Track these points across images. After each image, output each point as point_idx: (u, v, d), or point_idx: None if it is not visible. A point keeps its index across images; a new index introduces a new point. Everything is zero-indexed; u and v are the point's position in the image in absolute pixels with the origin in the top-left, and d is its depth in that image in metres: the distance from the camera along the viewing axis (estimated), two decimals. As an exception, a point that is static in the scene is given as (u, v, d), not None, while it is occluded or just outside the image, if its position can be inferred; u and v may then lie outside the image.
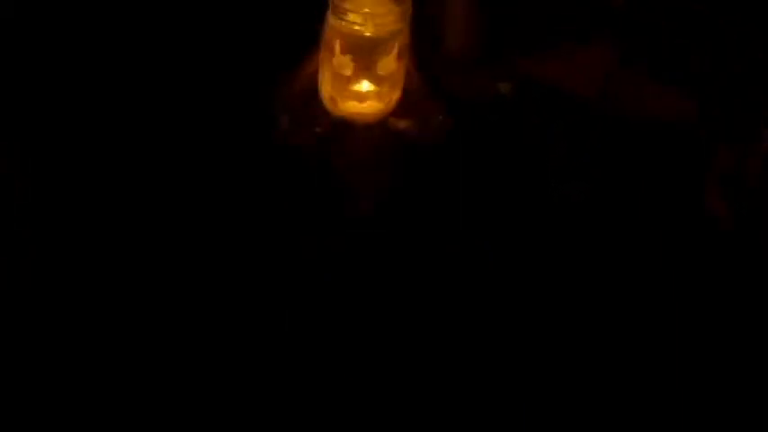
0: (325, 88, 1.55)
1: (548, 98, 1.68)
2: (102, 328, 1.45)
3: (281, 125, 1.60)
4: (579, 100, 1.67)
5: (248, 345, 1.44)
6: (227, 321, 1.45)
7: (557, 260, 1.52)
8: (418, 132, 1.59)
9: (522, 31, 1.75)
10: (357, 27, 1.48)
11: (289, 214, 1.55)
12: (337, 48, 1.50)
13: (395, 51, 1.50)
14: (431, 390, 1.41)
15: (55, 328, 1.45)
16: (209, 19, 1.80)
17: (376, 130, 1.57)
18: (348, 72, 1.51)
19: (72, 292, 1.48)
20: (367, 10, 1.48)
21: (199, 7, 1.80)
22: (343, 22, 1.48)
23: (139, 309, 1.47)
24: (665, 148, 1.64)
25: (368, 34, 1.48)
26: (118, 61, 1.74)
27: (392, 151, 1.59)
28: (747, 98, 1.62)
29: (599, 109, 1.67)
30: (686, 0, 1.68)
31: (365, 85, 1.53)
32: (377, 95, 1.54)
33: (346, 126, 1.56)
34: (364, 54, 1.50)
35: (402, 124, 1.58)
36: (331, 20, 1.50)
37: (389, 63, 1.50)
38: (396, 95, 1.56)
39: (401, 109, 1.58)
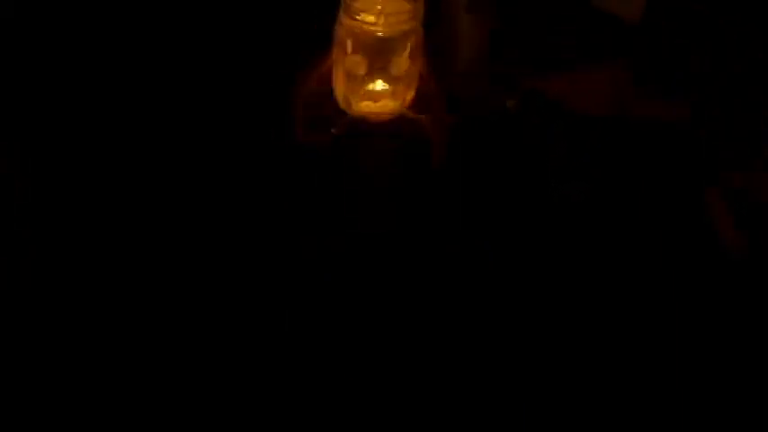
0: (339, 88, 1.55)
1: (551, 107, 1.68)
2: (102, 328, 1.45)
3: (296, 125, 1.59)
4: (591, 119, 1.66)
5: (248, 344, 1.44)
6: (228, 321, 1.45)
7: (556, 260, 1.53)
8: (430, 129, 1.58)
9: (532, 49, 1.75)
10: (369, 26, 1.48)
11: (289, 214, 1.55)
12: (350, 47, 1.50)
13: (407, 51, 1.50)
14: (431, 390, 1.41)
15: (55, 327, 1.45)
16: (216, 18, 1.80)
17: (390, 127, 1.57)
18: (361, 71, 1.51)
19: (72, 292, 1.48)
20: (379, 8, 1.48)
21: (205, 6, 1.80)
22: (356, 22, 1.48)
23: (140, 309, 1.47)
24: (665, 149, 1.64)
25: (380, 33, 1.48)
26: (118, 61, 1.74)
27: (405, 148, 1.59)
28: (747, 98, 1.62)
29: (611, 128, 1.66)
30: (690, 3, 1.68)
31: (379, 85, 1.53)
32: (391, 95, 1.54)
33: (361, 126, 1.57)
34: (377, 54, 1.50)
35: (419, 120, 1.58)
36: (343, 19, 1.50)
37: (403, 62, 1.50)
38: (410, 95, 1.56)
39: (414, 108, 1.58)
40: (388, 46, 1.49)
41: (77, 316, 1.46)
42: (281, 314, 1.46)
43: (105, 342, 1.44)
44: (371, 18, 1.47)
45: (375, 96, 1.53)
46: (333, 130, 1.58)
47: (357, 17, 1.48)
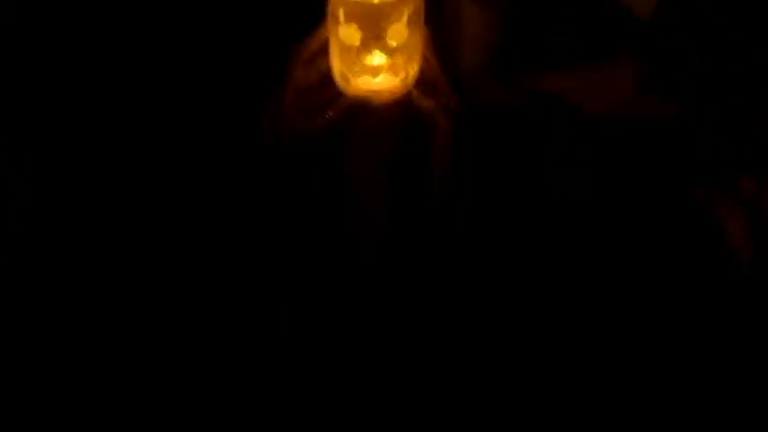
0: (336, 64, 1.47)
1: (553, 101, 1.67)
2: (102, 328, 1.45)
3: (287, 111, 1.53)
4: (600, 118, 1.64)
5: (248, 344, 1.44)
6: (228, 321, 1.45)
7: (556, 259, 1.52)
8: (439, 115, 1.52)
9: (536, 45, 1.72)
10: None
11: (289, 214, 1.55)
12: (342, 16, 1.41)
13: (405, 18, 1.41)
14: (431, 389, 1.41)
15: (55, 327, 1.45)
16: (210, 17, 1.80)
17: (394, 110, 1.49)
18: (355, 42, 1.42)
19: (72, 292, 1.48)
20: None
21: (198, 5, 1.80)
22: None
23: (139, 308, 1.47)
24: (665, 145, 1.63)
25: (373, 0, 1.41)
26: (117, 61, 1.74)
27: (409, 134, 1.52)
28: (747, 98, 1.62)
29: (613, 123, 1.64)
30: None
31: (377, 57, 1.44)
32: (391, 68, 1.45)
33: (361, 108, 1.48)
34: (371, 22, 1.41)
35: (426, 103, 1.51)
36: None
37: (400, 31, 1.42)
38: (413, 70, 1.47)
39: (421, 90, 1.50)
40: (382, 12, 1.40)
41: (77, 316, 1.46)
42: (281, 314, 1.46)
43: (105, 342, 1.44)
44: None
45: (373, 71, 1.44)
46: (328, 114, 1.50)
47: None
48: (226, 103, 1.70)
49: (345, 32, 1.43)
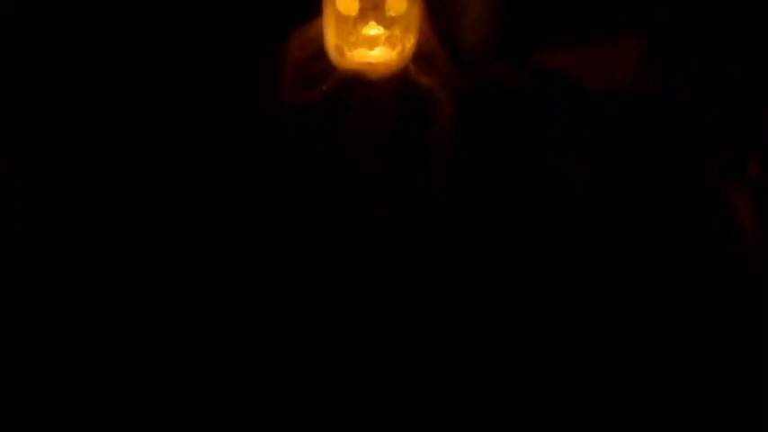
0: (330, 36, 1.44)
1: (554, 79, 1.63)
2: (102, 328, 1.45)
3: (282, 83, 1.50)
4: (601, 96, 1.62)
5: (248, 344, 1.44)
6: (228, 321, 1.45)
7: (556, 258, 1.52)
8: (438, 91, 1.50)
9: (540, 24, 1.69)
10: None
11: (289, 214, 1.55)
12: None
13: None
14: (431, 389, 1.41)
15: (55, 327, 1.45)
16: (209, 17, 1.80)
17: (392, 85, 1.47)
18: (353, 12, 1.40)
19: (72, 292, 1.48)
20: None
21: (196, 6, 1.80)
22: None
23: (140, 308, 1.46)
24: (667, 126, 1.61)
25: None
26: (117, 61, 1.74)
27: (406, 109, 1.49)
28: (747, 98, 1.61)
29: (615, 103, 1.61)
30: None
31: (373, 28, 1.42)
32: (388, 40, 1.43)
33: (355, 82, 1.46)
34: None
35: (425, 79, 1.49)
36: None
37: (399, 2, 1.40)
38: (409, 43, 1.44)
39: (419, 66, 1.48)
40: None
41: (77, 316, 1.46)
42: (282, 314, 1.46)
43: (105, 342, 1.44)
44: None
45: (369, 42, 1.42)
46: (322, 87, 1.48)
47: None
48: (226, 103, 1.70)
49: (344, 2, 1.41)
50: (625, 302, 1.47)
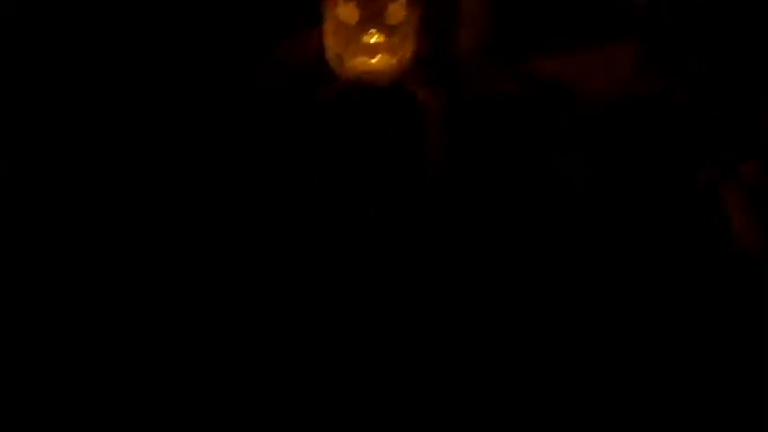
0: (330, 45, 1.45)
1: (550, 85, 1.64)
2: (102, 328, 1.45)
3: (279, 93, 1.52)
4: (598, 101, 1.62)
5: (248, 344, 1.44)
6: (228, 320, 1.45)
7: (556, 258, 1.52)
8: (432, 100, 1.51)
9: (537, 31, 1.70)
10: None
11: (289, 214, 1.55)
12: None
13: None
14: (431, 389, 1.41)
15: (55, 327, 1.45)
16: (208, 18, 1.80)
17: (388, 95, 1.48)
18: (353, 20, 1.41)
19: (72, 292, 1.48)
20: None
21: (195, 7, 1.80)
22: None
23: (139, 308, 1.46)
24: (664, 128, 1.61)
25: None
26: (117, 61, 1.74)
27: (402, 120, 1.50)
28: (747, 98, 1.61)
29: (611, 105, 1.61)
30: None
31: (374, 36, 1.43)
32: (388, 48, 1.43)
33: (354, 90, 1.47)
34: (370, 0, 1.41)
35: (419, 90, 1.50)
36: None
37: (399, 10, 1.41)
38: (408, 51, 1.45)
39: (415, 75, 1.49)
40: None
41: (77, 316, 1.46)
42: (281, 314, 1.46)
43: (105, 342, 1.44)
44: None
45: (370, 50, 1.43)
46: (321, 95, 1.49)
47: None
48: (225, 104, 1.70)
49: (344, 10, 1.41)
50: (625, 302, 1.47)
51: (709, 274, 1.46)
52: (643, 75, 1.64)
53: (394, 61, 1.44)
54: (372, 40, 1.42)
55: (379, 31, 1.42)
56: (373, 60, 1.44)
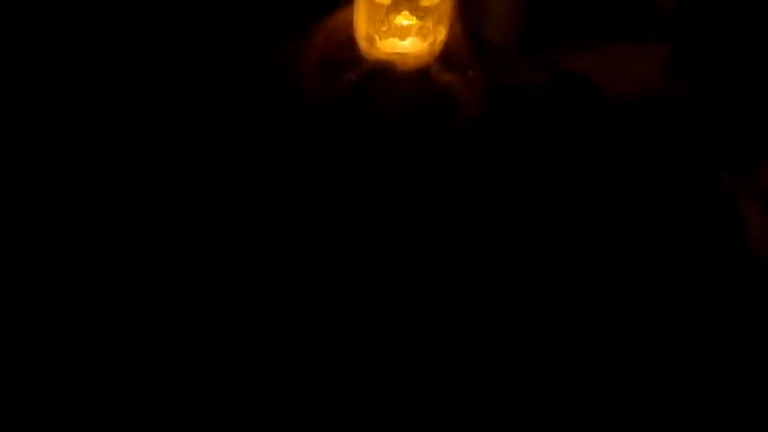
0: (361, 26, 1.43)
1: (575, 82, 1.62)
2: (102, 328, 1.45)
3: (310, 74, 1.49)
4: (620, 101, 1.60)
5: (248, 344, 1.44)
6: (228, 320, 1.45)
7: (556, 258, 1.52)
8: (459, 87, 1.49)
9: (567, 24, 1.67)
10: None
11: (289, 214, 1.55)
12: None
13: None
14: (431, 389, 1.41)
15: (55, 327, 1.45)
16: (207, 17, 1.80)
17: (416, 80, 1.45)
18: (386, 1, 1.40)
19: (72, 292, 1.48)
20: None
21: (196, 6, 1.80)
22: None
23: (139, 308, 1.46)
24: (681, 130, 1.60)
25: None
26: (117, 61, 1.74)
27: (431, 105, 1.47)
28: (747, 98, 1.61)
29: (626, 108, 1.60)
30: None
31: (405, 18, 1.41)
32: (420, 31, 1.42)
33: (384, 72, 1.44)
34: None
35: (446, 77, 1.47)
36: None
37: None
38: (440, 36, 1.43)
39: (443, 61, 1.47)
40: None
41: (77, 316, 1.46)
42: (281, 314, 1.46)
43: (105, 342, 1.44)
44: None
45: (401, 32, 1.41)
46: (351, 77, 1.46)
47: None
48: (226, 104, 1.70)
49: None
50: (625, 303, 1.47)
51: (717, 277, 1.46)
52: (672, 76, 1.62)
53: (425, 45, 1.43)
54: (405, 22, 1.41)
55: (412, 12, 1.41)
56: (404, 42, 1.42)
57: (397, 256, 1.50)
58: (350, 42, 1.44)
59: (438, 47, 1.44)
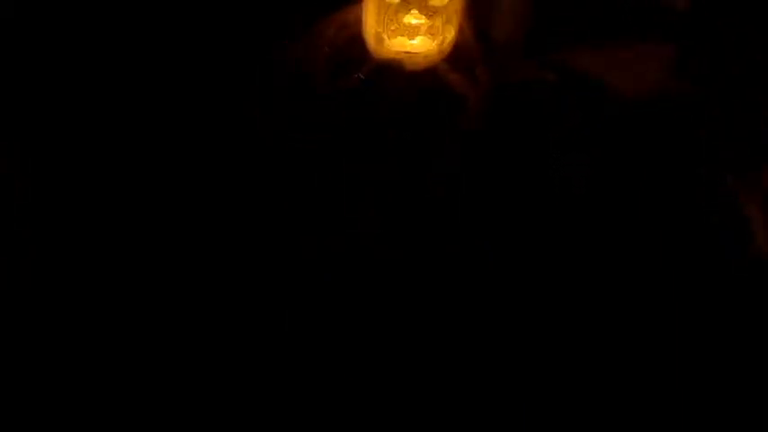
0: (370, 24, 1.43)
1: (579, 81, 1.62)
2: (102, 328, 1.45)
3: (319, 70, 1.49)
4: (625, 101, 1.60)
5: (248, 344, 1.44)
6: (228, 320, 1.45)
7: (556, 258, 1.52)
8: (466, 87, 1.49)
9: (573, 24, 1.67)
10: None
11: (289, 214, 1.55)
12: None
13: None
14: (431, 389, 1.41)
15: (55, 327, 1.45)
16: (208, 17, 1.80)
17: (423, 79, 1.45)
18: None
19: (72, 292, 1.48)
20: None
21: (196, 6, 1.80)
22: None
23: (139, 308, 1.46)
24: (683, 131, 1.60)
25: None
26: (117, 61, 1.74)
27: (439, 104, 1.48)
28: (747, 98, 1.61)
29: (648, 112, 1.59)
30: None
31: (414, 17, 1.41)
32: (429, 30, 1.42)
33: (392, 70, 1.45)
34: None
35: (454, 76, 1.48)
36: None
37: None
38: (449, 36, 1.43)
39: (451, 61, 1.47)
40: None
41: (77, 316, 1.46)
42: (282, 314, 1.46)
43: (105, 342, 1.44)
44: None
45: (410, 31, 1.42)
46: (359, 75, 1.46)
47: None
48: (225, 104, 1.70)
49: None
50: (626, 302, 1.47)
51: (717, 277, 1.46)
52: (675, 76, 1.62)
53: (434, 44, 1.43)
54: (414, 21, 1.41)
55: (421, 11, 1.41)
56: (413, 41, 1.43)
57: (396, 255, 1.50)
58: (359, 39, 1.45)
59: (447, 46, 1.44)
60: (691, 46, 1.64)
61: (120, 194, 1.57)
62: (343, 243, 1.50)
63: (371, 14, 1.42)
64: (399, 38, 1.43)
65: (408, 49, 1.43)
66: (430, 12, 1.41)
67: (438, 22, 1.42)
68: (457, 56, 1.47)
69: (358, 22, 1.45)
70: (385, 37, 1.43)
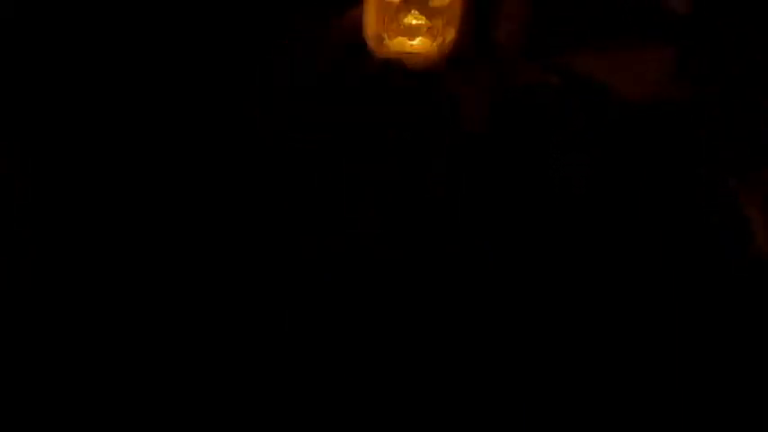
0: (370, 24, 1.44)
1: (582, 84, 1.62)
2: (102, 328, 1.45)
3: (319, 70, 1.50)
4: (628, 104, 1.60)
5: (248, 344, 1.44)
6: (227, 320, 1.45)
7: (556, 258, 1.52)
8: (467, 89, 1.50)
9: (575, 27, 1.67)
10: None
11: (289, 214, 1.55)
12: None
13: None
14: (431, 389, 1.41)
15: (55, 327, 1.45)
16: (208, 16, 1.80)
17: (423, 80, 1.45)
18: (396, 0, 1.41)
19: (72, 292, 1.48)
20: None
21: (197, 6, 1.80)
22: None
23: (139, 308, 1.46)
24: (685, 133, 1.60)
25: None
26: (117, 61, 1.74)
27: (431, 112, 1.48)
28: (747, 98, 1.61)
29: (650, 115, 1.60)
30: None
31: (415, 18, 1.42)
32: (429, 32, 1.43)
33: (392, 71, 1.45)
34: None
35: (454, 78, 1.48)
36: None
37: None
38: (449, 36, 1.44)
39: (455, 69, 1.47)
40: None
41: (77, 316, 1.46)
42: (281, 314, 1.46)
43: (105, 342, 1.44)
44: None
45: (411, 32, 1.43)
46: (359, 73, 1.47)
47: None
48: (226, 104, 1.70)
49: None
50: (626, 303, 1.47)
51: (718, 277, 1.46)
52: (677, 78, 1.62)
53: (434, 45, 1.44)
54: (414, 22, 1.42)
55: (422, 12, 1.42)
56: (413, 42, 1.44)
57: (397, 255, 1.50)
58: (359, 40, 1.46)
59: (447, 47, 1.45)
60: (691, 48, 1.64)
61: (121, 194, 1.57)
62: (343, 243, 1.50)
63: (371, 15, 1.43)
64: (399, 38, 1.44)
65: (408, 50, 1.44)
66: (430, 13, 1.42)
67: (438, 23, 1.43)
68: (458, 57, 1.47)
69: (358, 23, 1.46)
70: (385, 37, 1.44)
